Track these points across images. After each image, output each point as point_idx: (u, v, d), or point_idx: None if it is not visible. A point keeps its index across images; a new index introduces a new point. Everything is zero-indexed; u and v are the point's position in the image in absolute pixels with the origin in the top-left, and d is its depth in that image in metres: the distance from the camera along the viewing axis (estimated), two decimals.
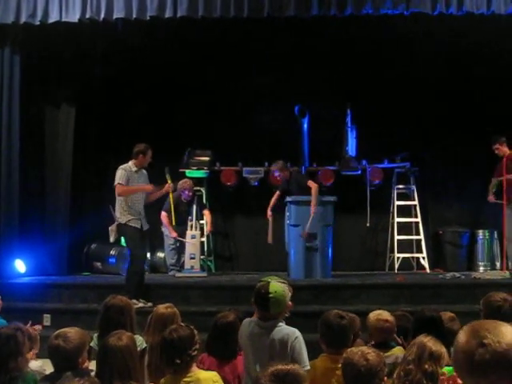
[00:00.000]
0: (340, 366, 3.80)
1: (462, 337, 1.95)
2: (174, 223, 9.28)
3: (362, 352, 3.26)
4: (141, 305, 7.35)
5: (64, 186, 9.98)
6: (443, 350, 3.30)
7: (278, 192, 9.72)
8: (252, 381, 3.80)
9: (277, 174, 9.72)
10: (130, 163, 7.88)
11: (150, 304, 7.43)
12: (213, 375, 3.80)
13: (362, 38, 10.05)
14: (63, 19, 8.52)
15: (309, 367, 3.80)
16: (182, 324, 3.95)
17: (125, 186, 7.74)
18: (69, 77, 9.90)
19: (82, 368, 3.76)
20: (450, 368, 2.31)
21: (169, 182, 8.38)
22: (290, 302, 3.95)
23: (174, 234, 9.65)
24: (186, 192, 9.88)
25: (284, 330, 3.86)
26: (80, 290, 8.43)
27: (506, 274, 9.09)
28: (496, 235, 10.63)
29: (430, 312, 4.68)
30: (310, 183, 9.19)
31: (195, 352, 3.76)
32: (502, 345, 1.89)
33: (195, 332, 3.88)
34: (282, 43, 10.30)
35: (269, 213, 9.60)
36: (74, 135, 10.01)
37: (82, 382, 2.61)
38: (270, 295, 3.81)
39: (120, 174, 7.76)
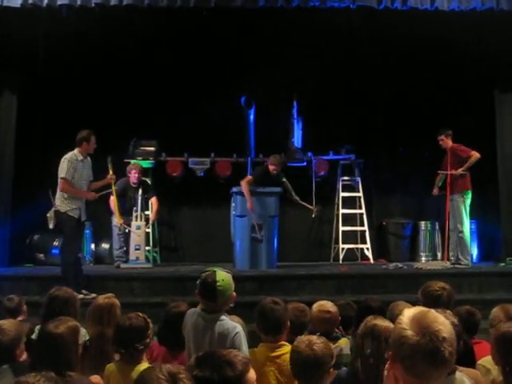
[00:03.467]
0: (278, 354, 3.84)
1: (414, 332, 1.97)
2: (118, 214, 9.19)
3: (310, 341, 3.29)
4: (81, 296, 7.22)
5: (6, 175, 9.74)
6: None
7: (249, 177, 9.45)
8: None
9: (273, 167, 9.40)
10: (76, 151, 7.72)
11: (93, 295, 7.33)
12: None
13: (309, 30, 10.09)
14: (4, 4, 8.34)
15: None
16: (140, 314, 3.87)
17: (69, 180, 7.61)
18: (11, 63, 9.66)
19: (19, 361, 3.68)
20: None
21: (111, 172, 8.28)
22: (234, 293, 3.94)
23: (120, 221, 9.46)
24: (133, 172, 9.74)
25: (226, 324, 3.82)
26: (22, 281, 8.25)
27: (447, 264, 9.30)
28: (437, 226, 10.86)
29: (375, 302, 4.77)
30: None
31: (142, 346, 3.72)
32: (453, 336, 1.98)
33: (150, 325, 3.83)
34: (229, 33, 10.27)
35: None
36: (16, 123, 9.78)
37: (39, 377, 2.55)
38: (218, 284, 3.78)
39: (66, 167, 7.60)
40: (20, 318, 5.11)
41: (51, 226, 7.89)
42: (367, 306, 4.70)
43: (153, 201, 10.00)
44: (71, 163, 7.62)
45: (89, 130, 7.82)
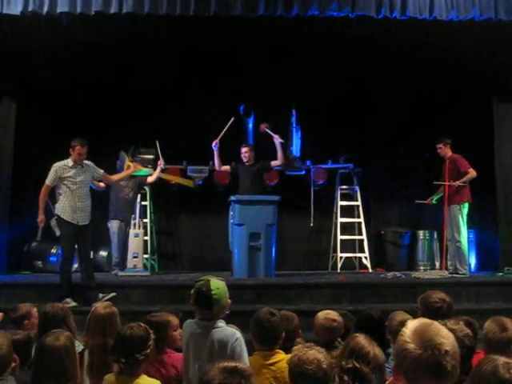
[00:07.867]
0: (273, 361, 3.82)
1: (416, 345, 1.98)
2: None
3: (314, 353, 3.25)
4: (68, 300, 7.32)
5: (4, 182, 9.72)
6: (373, 349, 3.33)
7: (228, 167, 10.05)
8: (189, 381, 3.78)
9: (244, 150, 9.89)
10: (69, 158, 7.88)
11: (73, 304, 7.37)
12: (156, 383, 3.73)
13: (308, 39, 10.10)
14: (4, 11, 8.35)
15: None
16: (142, 324, 3.84)
17: (49, 186, 7.79)
18: (10, 70, 9.66)
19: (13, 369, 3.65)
20: None
21: (128, 161, 8.63)
22: (229, 300, 3.94)
23: (102, 185, 8.72)
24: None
25: (225, 331, 3.83)
26: (19, 289, 8.24)
27: (445, 273, 9.30)
28: (435, 236, 10.86)
29: (375, 311, 4.77)
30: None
31: (142, 357, 3.66)
32: (456, 349, 1.97)
33: (151, 336, 3.79)
34: (229, 42, 10.28)
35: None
36: (15, 130, 9.76)
37: None
38: (213, 292, 3.79)
39: (50, 173, 7.81)
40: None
41: (58, 233, 7.90)
42: (368, 315, 4.70)
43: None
44: (56, 172, 7.78)
45: (79, 138, 7.91)
